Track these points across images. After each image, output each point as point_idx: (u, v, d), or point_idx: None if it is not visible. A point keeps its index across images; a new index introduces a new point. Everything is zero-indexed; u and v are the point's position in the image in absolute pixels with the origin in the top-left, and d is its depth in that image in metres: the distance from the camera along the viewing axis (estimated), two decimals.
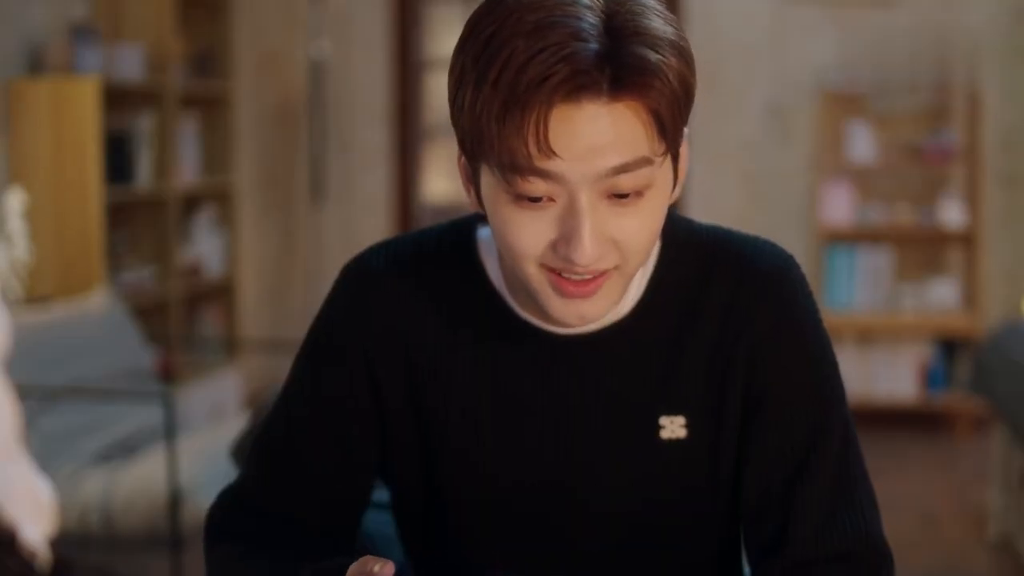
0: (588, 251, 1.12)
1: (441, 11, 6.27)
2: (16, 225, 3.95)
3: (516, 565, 1.14)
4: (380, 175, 6.11)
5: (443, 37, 6.24)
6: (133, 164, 4.83)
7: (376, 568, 1.13)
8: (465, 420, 1.29)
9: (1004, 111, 5.65)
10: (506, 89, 1.08)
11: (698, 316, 1.28)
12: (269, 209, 6.19)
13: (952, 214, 5.56)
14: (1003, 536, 4.08)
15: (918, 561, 3.91)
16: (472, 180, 1.20)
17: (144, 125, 4.91)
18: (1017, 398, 3.73)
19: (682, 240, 1.30)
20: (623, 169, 1.11)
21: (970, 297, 5.64)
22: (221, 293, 5.77)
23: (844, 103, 5.69)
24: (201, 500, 3.32)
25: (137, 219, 5.04)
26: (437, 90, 6.13)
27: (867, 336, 5.68)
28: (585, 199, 1.12)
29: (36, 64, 4.57)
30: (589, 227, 1.12)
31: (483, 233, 1.32)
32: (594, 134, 1.09)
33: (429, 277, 1.32)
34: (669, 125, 1.12)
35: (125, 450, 3.66)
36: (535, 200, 1.13)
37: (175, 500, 3.30)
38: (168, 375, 4.67)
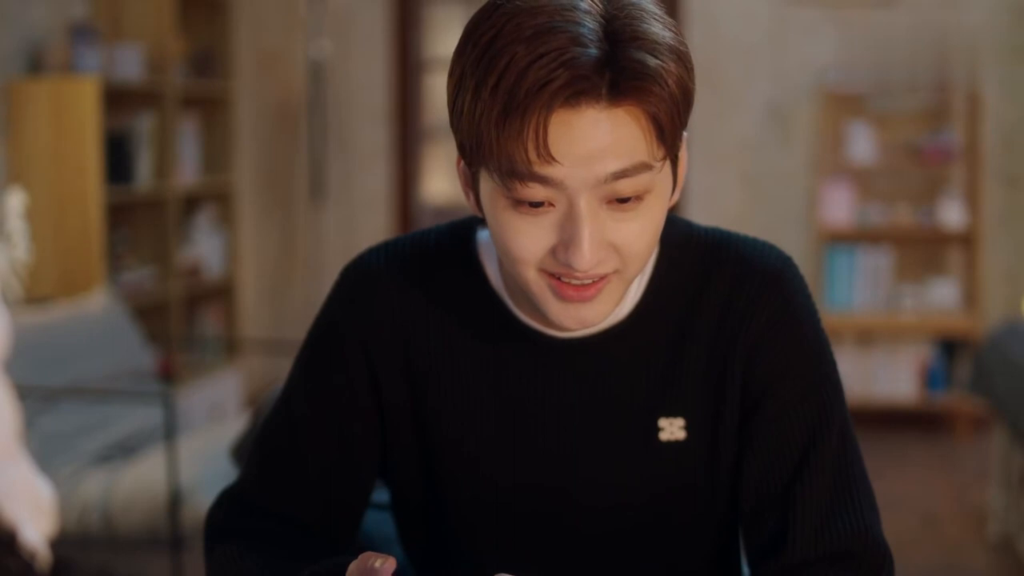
0: (587, 256, 1.12)
1: (441, 11, 6.27)
2: (16, 225, 3.95)
3: (515, 566, 1.14)
4: (380, 175, 6.11)
5: (443, 37, 6.24)
6: (133, 164, 4.83)
7: (377, 564, 1.13)
8: (464, 422, 1.30)
9: (1004, 110, 5.65)
10: (505, 95, 1.08)
11: (697, 318, 1.28)
12: (269, 209, 6.19)
13: (952, 214, 5.56)
14: (1003, 536, 4.08)
15: (918, 561, 3.91)
16: (471, 185, 1.20)
17: (144, 125, 4.91)
18: (1017, 398, 3.73)
19: (681, 242, 1.30)
20: (623, 174, 1.11)
21: (970, 297, 5.64)
22: (221, 293, 5.77)
23: (844, 103, 5.69)
24: (201, 500, 3.32)
25: (137, 219, 5.04)
26: (437, 90, 6.13)
27: (867, 336, 5.68)
28: (584, 204, 1.12)
29: (36, 64, 4.57)
30: (588, 232, 1.12)
31: (483, 235, 1.32)
32: (594, 139, 1.09)
33: (429, 278, 1.32)
34: (668, 130, 1.12)
35: (125, 450, 3.66)
36: (535, 206, 1.13)
37: (175, 500, 3.30)
38: (168, 375, 4.67)
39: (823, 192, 5.65)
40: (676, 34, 1.13)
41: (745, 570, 1.37)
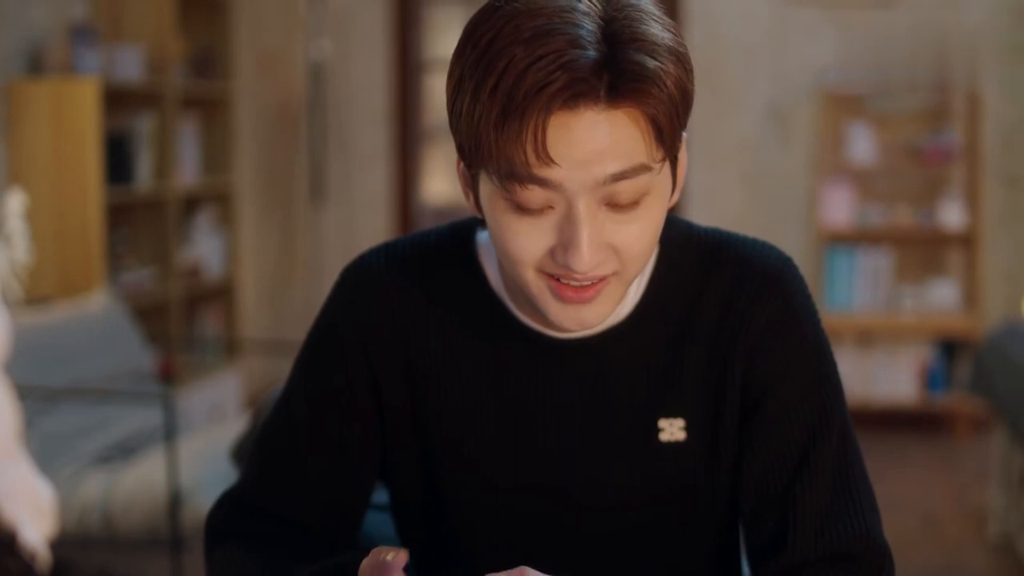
0: (586, 258, 1.12)
1: (441, 12, 6.27)
2: (16, 226, 3.95)
3: (515, 566, 1.14)
4: (380, 175, 6.11)
5: (443, 38, 6.24)
6: (133, 165, 4.83)
7: (389, 557, 1.13)
8: (464, 422, 1.29)
9: (1004, 110, 5.65)
10: (504, 97, 1.07)
11: (697, 318, 1.28)
12: (269, 210, 6.19)
13: (952, 215, 5.56)
14: (1003, 536, 4.08)
15: (918, 561, 3.91)
16: (471, 186, 1.20)
17: (144, 126, 4.91)
18: (1017, 398, 3.73)
19: (680, 243, 1.30)
20: (621, 176, 1.11)
21: (970, 298, 5.64)
22: (221, 294, 5.77)
23: (844, 103, 5.69)
24: (201, 501, 3.32)
25: (137, 220, 5.04)
26: (436, 91, 6.13)
27: (867, 337, 5.68)
28: (583, 206, 1.11)
29: (36, 65, 4.57)
30: (587, 234, 1.12)
31: (482, 236, 1.32)
32: (592, 141, 1.09)
33: (428, 279, 1.32)
34: (667, 131, 1.12)
35: (125, 451, 3.66)
36: (535, 209, 1.13)
37: (175, 501, 3.30)
38: (168, 376, 4.67)
39: (823, 193, 5.65)
40: (675, 35, 1.12)
41: (745, 570, 1.36)
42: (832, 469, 1.24)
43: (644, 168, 1.12)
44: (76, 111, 4.35)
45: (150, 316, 4.88)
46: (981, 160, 5.59)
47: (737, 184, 5.86)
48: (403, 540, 1.40)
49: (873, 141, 5.64)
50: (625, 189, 1.12)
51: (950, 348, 5.62)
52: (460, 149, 1.16)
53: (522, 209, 1.13)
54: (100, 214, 4.40)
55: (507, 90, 1.07)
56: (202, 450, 3.52)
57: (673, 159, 1.17)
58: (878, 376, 5.64)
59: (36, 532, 0.66)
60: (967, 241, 5.67)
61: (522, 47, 1.07)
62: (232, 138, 5.71)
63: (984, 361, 4.10)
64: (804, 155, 5.81)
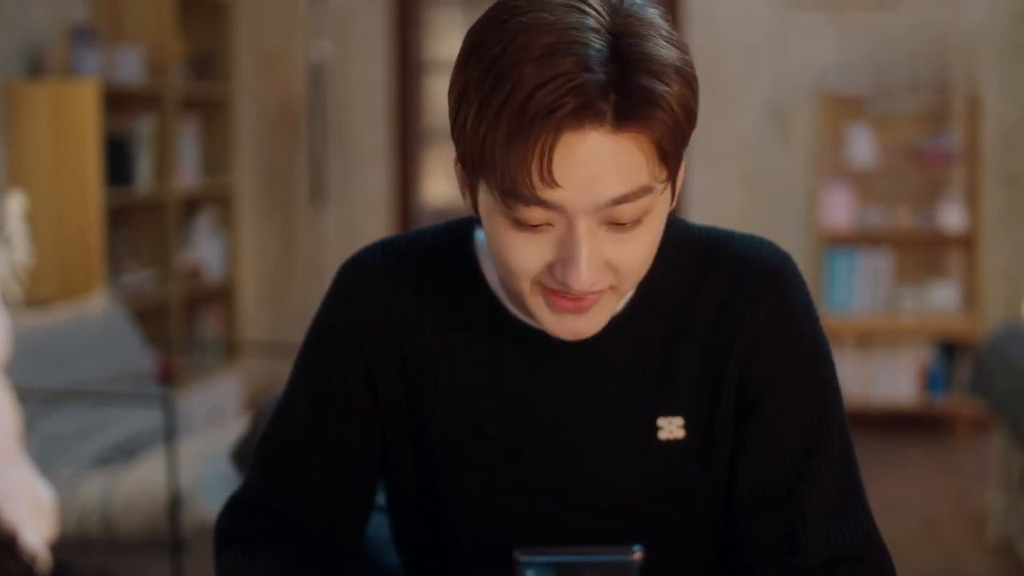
0: (584, 277, 1.12)
1: (441, 13, 6.27)
2: (16, 227, 3.95)
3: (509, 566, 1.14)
4: (380, 176, 6.11)
5: (443, 39, 6.24)
6: (133, 166, 4.83)
7: None
8: (460, 420, 1.29)
9: (1004, 111, 5.65)
10: (512, 117, 1.07)
11: (694, 316, 1.27)
12: (269, 211, 6.19)
13: (952, 216, 5.56)
14: (1003, 538, 4.08)
15: (918, 564, 3.91)
16: (469, 187, 1.20)
17: (144, 127, 4.91)
18: (1017, 400, 3.73)
19: (677, 242, 1.30)
20: (624, 199, 1.11)
21: (970, 299, 5.64)
22: (221, 296, 5.77)
23: (844, 105, 5.69)
24: (201, 503, 3.32)
25: (137, 222, 5.04)
26: (436, 92, 6.13)
27: (867, 339, 5.68)
28: (584, 226, 1.11)
29: (36, 66, 4.57)
30: (586, 253, 1.12)
31: (480, 235, 1.32)
32: (596, 164, 1.09)
33: (425, 276, 1.32)
34: (672, 152, 1.12)
35: (125, 453, 3.66)
36: (534, 226, 1.13)
37: (175, 503, 3.30)
38: (168, 378, 4.67)
39: (823, 194, 5.65)
40: (681, 51, 1.12)
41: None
42: (836, 470, 1.24)
43: (646, 190, 1.12)
44: (76, 112, 4.35)
45: (150, 318, 4.88)
46: (981, 161, 5.59)
47: (737, 185, 5.86)
48: (397, 541, 1.40)
49: (873, 142, 5.64)
50: (626, 211, 1.12)
51: (950, 350, 5.62)
52: (462, 159, 1.16)
53: (521, 224, 1.13)
54: (100, 216, 4.40)
55: (515, 110, 1.06)
56: (202, 451, 3.52)
57: (674, 174, 1.17)
58: (878, 378, 5.64)
59: (36, 534, 0.66)
60: (967, 242, 5.67)
61: (532, 66, 1.06)
62: (232, 139, 5.71)
63: (984, 362, 4.10)
64: (804, 156, 5.81)
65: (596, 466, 1.27)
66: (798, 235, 5.76)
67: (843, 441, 1.26)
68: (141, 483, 3.39)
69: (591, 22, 1.08)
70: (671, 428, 1.27)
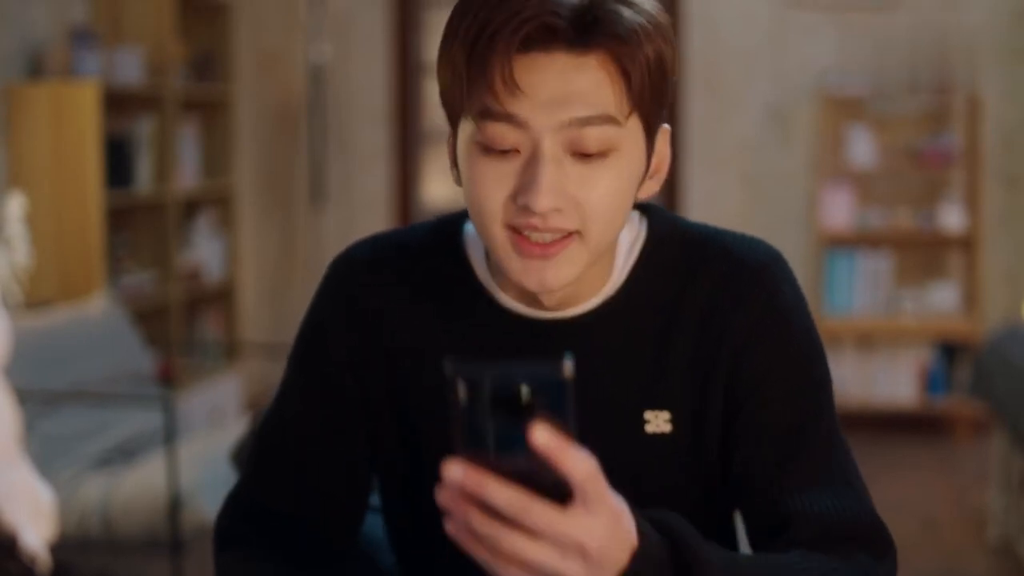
0: (543, 197, 1.13)
1: (441, 14, 6.26)
2: (16, 229, 3.95)
3: None
4: (380, 177, 6.11)
5: None
6: (133, 168, 4.83)
7: None
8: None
9: (1004, 112, 5.65)
10: (478, 27, 1.12)
11: (683, 311, 1.28)
12: (269, 212, 6.19)
13: (952, 218, 5.56)
14: (1003, 539, 4.08)
15: (918, 564, 3.91)
16: (452, 146, 1.23)
17: (144, 129, 4.91)
18: (1017, 401, 3.73)
19: (667, 234, 1.31)
20: (587, 122, 1.13)
21: (970, 300, 5.64)
22: (221, 297, 5.77)
23: (844, 106, 5.69)
24: (201, 504, 3.32)
25: (137, 223, 5.04)
26: (436, 93, 6.12)
27: (867, 340, 5.67)
28: (548, 148, 1.14)
29: (36, 68, 4.57)
30: (548, 175, 1.13)
31: (469, 227, 1.33)
32: (561, 82, 1.12)
33: (414, 270, 1.32)
34: (639, 89, 1.15)
35: (125, 454, 3.66)
36: (501, 152, 1.15)
37: (175, 504, 3.30)
38: (168, 379, 4.67)
39: (823, 196, 5.65)
40: (661, 12, 1.17)
41: None
42: (827, 454, 1.24)
43: (610, 119, 1.14)
44: (76, 114, 4.35)
45: (150, 319, 4.88)
46: (981, 162, 5.59)
47: (737, 186, 5.86)
48: (392, 540, 1.39)
49: (873, 143, 5.64)
50: (590, 137, 1.14)
51: (950, 351, 5.62)
52: (442, 97, 1.20)
53: (491, 151, 1.16)
54: (100, 217, 4.40)
55: (482, 21, 1.12)
56: (202, 453, 3.52)
57: (649, 130, 1.19)
58: (878, 379, 5.64)
59: (36, 535, 0.66)
60: (967, 243, 5.67)
61: None
62: (232, 140, 5.71)
63: (984, 364, 4.10)
64: (804, 157, 5.81)
65: None
66: (798, 236, 5.75)
67: (832, 425, 1.26)
68: (141, 484, 3.39)
69: None
70: (658, 422, 1.27)
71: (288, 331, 5.54)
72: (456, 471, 0.91)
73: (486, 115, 1.14)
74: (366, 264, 1.33)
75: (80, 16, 4.90)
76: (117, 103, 4.77)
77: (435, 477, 1.30)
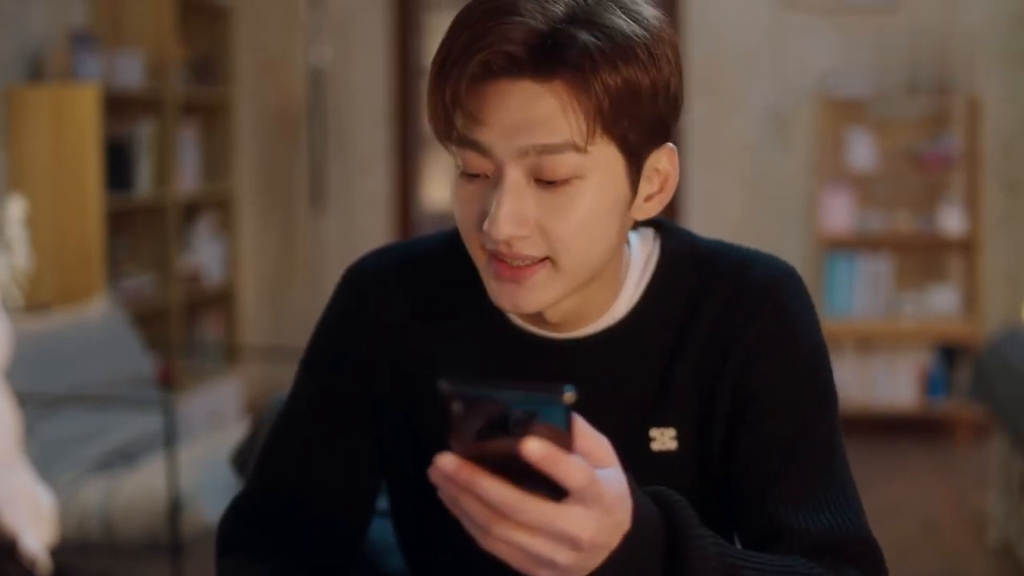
0: (500, 225, 1.13)
1: (441, 16, 6.27)
2: (16, 232, 3.95)
3: (510, 571, 1.13)
4: (380, 180, 6.11)
5: None
6: (133, 171, 4.83)
7: None
8: None
9: (1004, 115, 5.65)
10: (441, 60, 1.13)
11: (691, 328, 1.27)
12: (269, 214, 6.19)
13: (952, 220, 5.56)
14: (1003, 542, 4.08)
15: (918, 566, 3.91)
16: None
17: (144, 132, 4.92)
18: (1017, 403, 3.73)
19: (681, 252, 1.30)
20: (547, 150, 1.13)
21: (970, 303, 5.64)
22: (221, 300, 5.77)
23: (844, 108, 5.69)
24: (201, 507, 3.32)
25: (137, 226, 5.04)
26: None
27: (867, 343, 5.68)
28: (510, 175, 1.14)
29: (36, 71, 4.57)
30: (507, 203, 1.13)
31: None
32: (521, 110, 1.12)
33: (426, 282, 1.33)
34: (609, 114, 1.13)
35: (125, 457, 3.66)
36: (475, 176, 1.16)
37: (175, 507, 3.30)
38: (168, 382, 4.67)
39: (823, 199, 5.65)
40: (645, 31, 1.14)
41: None
42: (823, 466, 1.23)
43: (571, 146, 1.13)
44: (76, 117, 4.35)
45: (150, 322, 4.88)
46: (981, 165, 5.59)
47: (737, 188, 5.86)
48: (402, 545, 1.40)
49: (873, 146, 5.65)
50: (552, 163, 1.13)
51: (950, 354, 5.62)
52: (428, 121, 1.21)
53: (466, 175, 1.17)
54: (100, 220, 4.40)
55: (445, 51, 1.13)
56: (202, 456, 3.52)
57: (631, 154, 1.17)
58: (878, 382, 5.64)
59: (36, 538, 0.66)
60: (967, 246, 5.67)
61: (476, 15, 1.13)
62: (232, 143, 5.71)
63: (984, 366, 4.10)
64: (804, 160, 5.81)
65: None
66: (798, 239, 5.76)
67: (833, 440, 1.26)
68: (141, 487, 3.39)
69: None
70: (663, 439, 1.26)
71: (288, 334, 5.53)
72: (448, 463, 0.92)
73: (458, 141, 1.16)
74: (378, 275, 1.34)
75: (80, 19, 4.90)
76: (117, 106, 4.77)
77: None
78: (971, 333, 5.48)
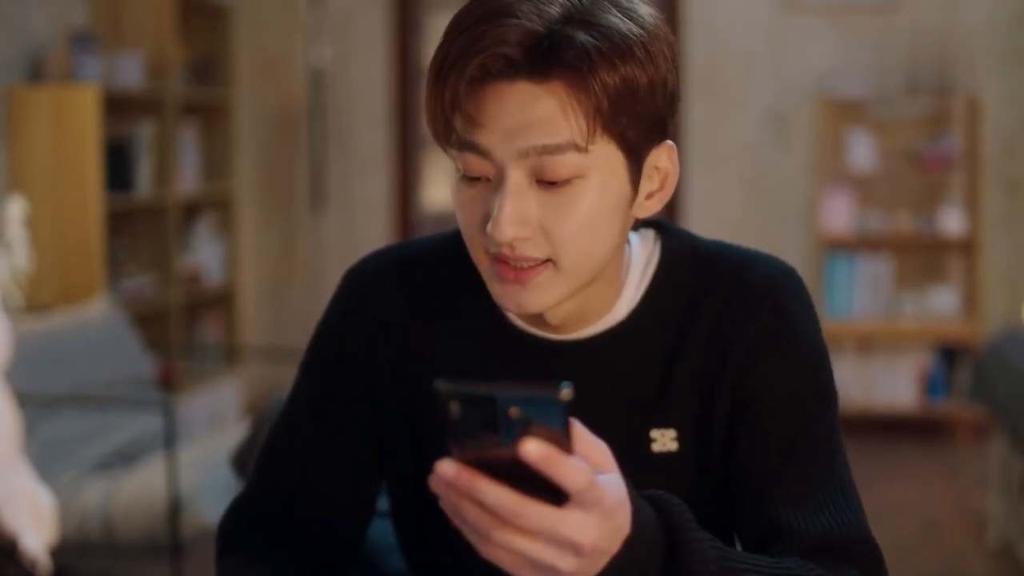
0: (503, 227, 1.13)
1: (441, 17, 6.26)
2: (16, 233, 3.95)
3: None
4: (380, 181, 6.11)
5: None
6: (133, 171, 4.83)
7: None
8: None
9: (1004, 115, 5.66)
10: (438, 64, 1.13)
11: (691, 328, 1.27)
12: (269, 216, 6.19)
13: (952, 221, 5.56)
14: (1003, 542, 4.08)
15: (918, 567, 3.91)
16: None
17: (144, 132, 4.92)
18: (1017, 404, 3.73)
19: (682, 253, 1.30)
20: (548, 150, 1.13)
21: (970, 304, 5.64)
22: (221, 301, 5.77)
23: (844, 109, 5.69)
24: (201, 508, 3.32)
25: (137, 227, 5.04)
26: None
27: (867, 344, 5.68)
28: (512, 177, 1.14)
29: (36, 72, 4.58)
30: (509, 203, 1.13)
31: None
32: (520, 111, 1.12)
33: (427, 283, 1.33)
34: (608, 113, 1.13)
35: (125, 458, 3.66)
36: (475, 180, 1.16)
37: (175, 508, 3.30)
38: (168, 383, 4.67)
39: (823, 199, 5.65)
40: (642, 31, 1.14)
41: None
42: (823, 467, 1.23)
43: (572, 147, 1.13)
44: (76, 118, 4.35)
45: (150, 323, 4.88)
46: (981, 165, 5.59)
47: (737, 188, 5.86)
48: (403, 546, 1.40)
49: (873, 147, 5.65)
50: (553, 164, 1.13)
51: (950, 354, 5.62)
52: (427, 125, 1.20)
53: (467, 178, 1.17)
54: (100, 221, 4.40)
55: (443, 54, 1.12)
56: (202, 457, 3.52)
57: (632, 153, 1.17)
58: (878, 382, 5.64)
59: (36, 538, 0.66)
60: (967, 247, 5.67)
61: (473, 18, 1.12)
62: (232, 144, 5.71)
63: (984, 367, 4.10)
64: (804, 160, 5.81)
65: None
66: (798, 239, 5.76)
67: (833, 440, 1.25)
68: (141, 488, 3.39)
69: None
70: (664, 440, 1.26)
71: (288, 334, 5.54)
72: (448, 468, 0.92)
73: (458, 144, 1.15)
74: (378, 276, 1.34)
75: (80, 20, 4.90)
76: (117, 107, 4.77)
77: None
78: (971, 334, 5.49)
